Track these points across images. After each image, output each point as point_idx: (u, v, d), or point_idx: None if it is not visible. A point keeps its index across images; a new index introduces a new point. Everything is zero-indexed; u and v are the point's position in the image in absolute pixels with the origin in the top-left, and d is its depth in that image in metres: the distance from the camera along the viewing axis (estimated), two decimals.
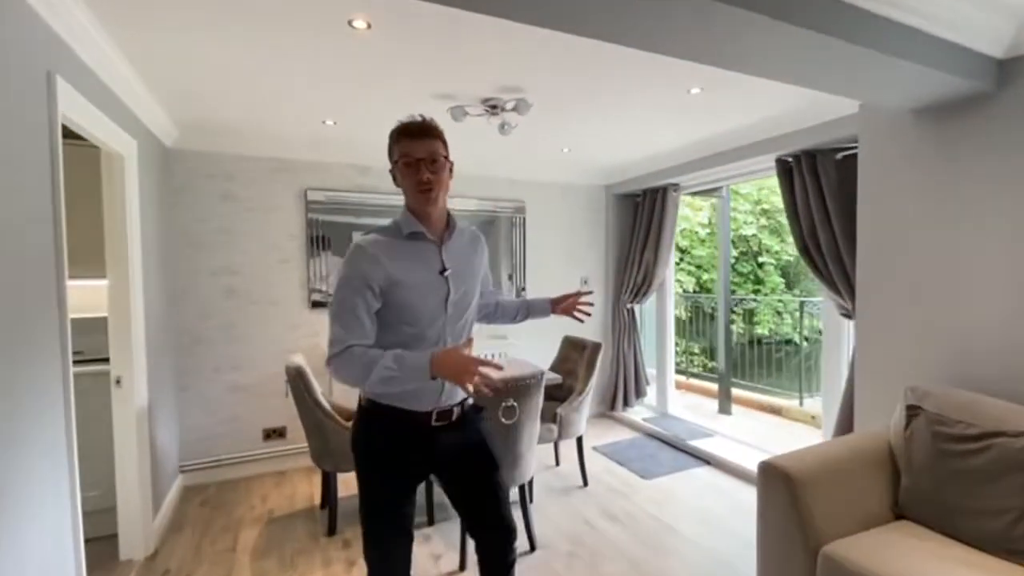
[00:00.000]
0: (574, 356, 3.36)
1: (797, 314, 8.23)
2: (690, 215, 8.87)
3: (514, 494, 2.62)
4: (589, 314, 1.72)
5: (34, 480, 1.44)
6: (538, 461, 3.01)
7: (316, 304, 3.51)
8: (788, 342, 8.09)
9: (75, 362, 2.61)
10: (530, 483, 2.64)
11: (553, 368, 3.42)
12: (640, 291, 4.25)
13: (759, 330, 8.13)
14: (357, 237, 1.41)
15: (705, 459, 3.50)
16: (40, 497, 1.47)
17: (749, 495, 3.00)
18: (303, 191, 3.47)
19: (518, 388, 2.18)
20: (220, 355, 3.27)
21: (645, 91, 2.46)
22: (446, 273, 1.37)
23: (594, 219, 4.60)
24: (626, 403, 4.41)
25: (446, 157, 1.35)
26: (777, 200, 9.45)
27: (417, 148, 1.30)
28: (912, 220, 2.19)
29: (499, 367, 1.27)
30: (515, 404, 2.17)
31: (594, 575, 2.25)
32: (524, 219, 4.24)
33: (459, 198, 3.95)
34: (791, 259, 9.78)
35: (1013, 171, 1.87)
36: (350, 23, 1.79)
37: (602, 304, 4.67)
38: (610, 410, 4.43)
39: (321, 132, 3.13)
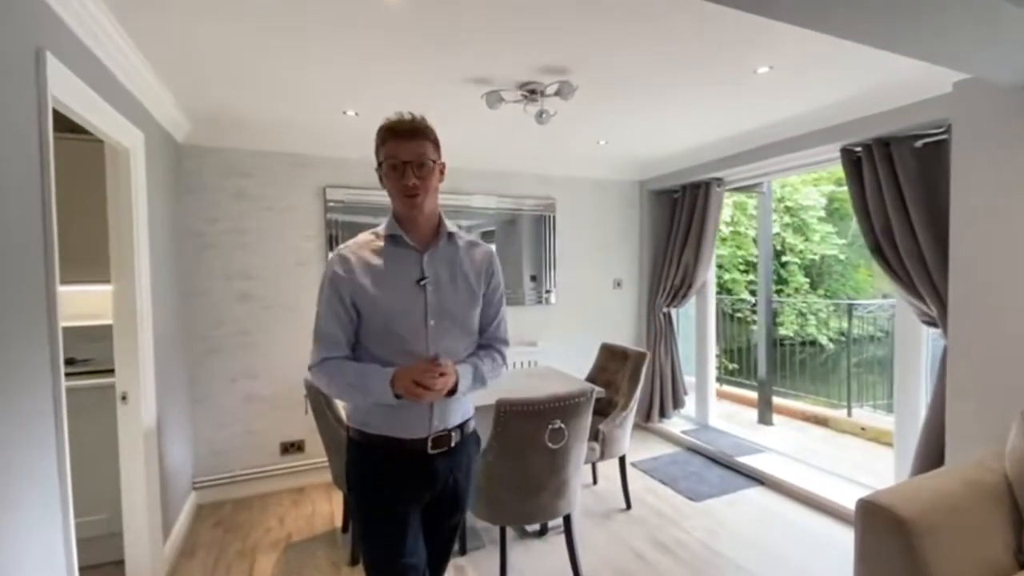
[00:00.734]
0: (613, 366, 3.10)
1: (823, 315, 7.94)
2: None
3: (557, 523, 2.37)
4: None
5: (21, 509, 1.22)
6: None
7: None
8: (812, 343, 7.76)
9: (82, 373, 2.48)
10: None
11: (590, 379, 3.16)
12: (678, 294, 3.97)
13: (782, 331, 7.82)
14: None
15: (756, 478, 3.21)
16: (26, 530, 1.25)
17: (810, 521, 2.70)
18: (322, 189, 3.25)
19: (566, 408, 1.93)
20: (235, 364, 3.07)
21: (706, 70, 2.19)
22: (423, 282, 1.27)
23: (627, 217, 4.32)
24: (663, 414, 4.12)
25: (435, 160, 1.27)
26: (801, 198, 9.11)
27: (404, 150, 1.22)
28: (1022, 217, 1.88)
29: (443, 372, 1.17)
30: (563, 426, 1.92)
31: None
32: (554, 217, 3.98)
33: (480, 195, 3.71)
34: (815, 258, 9.45)
35: None
36: None
37: (636, 308, 4.39)
38: (645, 421, 4.15)
39: (342, 124, 2.91)
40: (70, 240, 2.24)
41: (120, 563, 2.20)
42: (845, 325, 5.30)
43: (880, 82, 2.32)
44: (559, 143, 3.44)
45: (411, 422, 1.25)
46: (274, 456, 3.17)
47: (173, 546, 2.45)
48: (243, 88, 2.35)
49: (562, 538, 2.28)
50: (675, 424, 4.11)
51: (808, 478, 3.05)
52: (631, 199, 4.33)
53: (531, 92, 2.33)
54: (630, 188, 4.31)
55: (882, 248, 2.57)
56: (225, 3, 1.62)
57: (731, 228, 8.68)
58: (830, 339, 7.77)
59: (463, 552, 2.42)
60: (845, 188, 9.25)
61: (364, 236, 1.33)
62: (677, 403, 4.15)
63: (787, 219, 9.17)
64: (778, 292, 9.16)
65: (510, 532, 2.46)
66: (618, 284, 4.29)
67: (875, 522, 1.50)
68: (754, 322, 6.95)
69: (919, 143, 2.41)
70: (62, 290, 1.47)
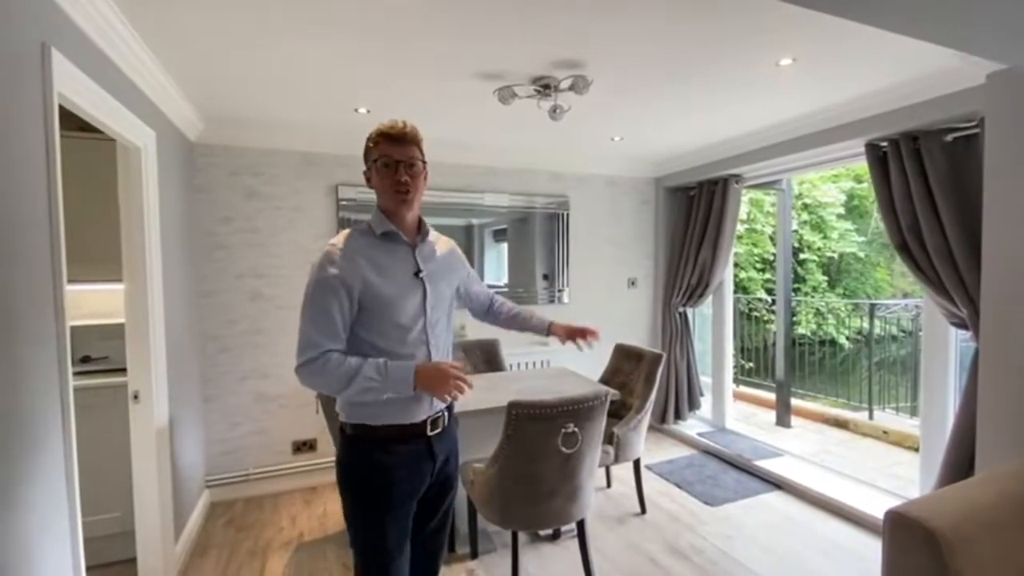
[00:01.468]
0: (628, 367, 3.03)
1: (841, 314, 7.77)
2: None
3: (570, 527, 2.33)
4: (591, 346, 1.68)
5: (27, 508, 1.21)
6: None
7: None
8: (831, 343, 7.61)
9: (97, 372, 2.49)
10: None
11: (604, 380, 3.10)
12: (695, 293, 3.89)
13: (799, 330, 7.68)
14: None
15: (775, 483, 3.13)
16: (33, 529, 1.24)
17: (831, 528, 2.62)
18: (333, 187, 3.24)
19: (579, 411, 1.88)
20: (246, 363, 3.07)
21: (726, 63, 2.12)
22: (421, 275, 1.36)
23: (642, 215, 4.24)
24: (678, 416, 4.04)
25: (423, 163, 1.37)
26: (820, 194, 8.93)
27: (396, 151, 1.31)
28: None
29: (471, 385, 1.28)
30: (576, 430, 1.87)
31: None
32: (567, 215, 3.92)
33: (492, 193, 3.67)
34: (834, 256, 9.27)
35: None
36: None
37: (651, 308, 4.32)
38: (660, 423, 4.08)
39: (353, 121, 2.88)
40: (86, 239, 2.26)
41: (132, 561, 2.20)
42: (863, 324, 5.17)
43: (909, 74, 2.23)
44: (573, 139, 3.38)
45: (412, 408, 1.31)
46: (286, 455, 3.17)
47: (185, 545, 2.45)
48: (254, 86, 2.34)
49: (575, 542, 2.24)
50: (691, 426, 4.03)
51: (828, 483, 2.96)
52: (646, 196, 4.25)
53: (544, 87, 2.27)
54: (645, 185, 4.24)
55: (909, 246, 2.47)
56: (237, 1, 1.59)
57: (747, 225, 8.55)
58: (848, 339, 7.61)
59: (474, 556, 2.39)
60: (865, 185, 9.03)
61: (353, 235, 1.33)
62: (693, 405, 4.07)
63: (805, 216, 9.02)
64: (795, 291, 9.02)
65: (522, 536, 2.42)
66: (632, 283, 4.22)
67: (905, 534, 1.43)
68: (770, 321, 6.82)
69: (949, 137, 2.31)
70: (78, 289, 1.46)
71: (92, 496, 2.01)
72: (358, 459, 1.33)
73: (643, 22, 1.76)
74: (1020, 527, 1.53)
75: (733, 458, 3.45)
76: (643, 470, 2.89)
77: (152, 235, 2.16)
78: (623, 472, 3.15)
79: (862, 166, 2.68)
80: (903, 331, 4.98)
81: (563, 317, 3.88)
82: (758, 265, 8.78)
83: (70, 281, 1.46)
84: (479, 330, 3.57)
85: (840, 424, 4.48)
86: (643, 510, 2.79)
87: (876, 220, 9.44)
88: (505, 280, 3.77)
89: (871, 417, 4.42)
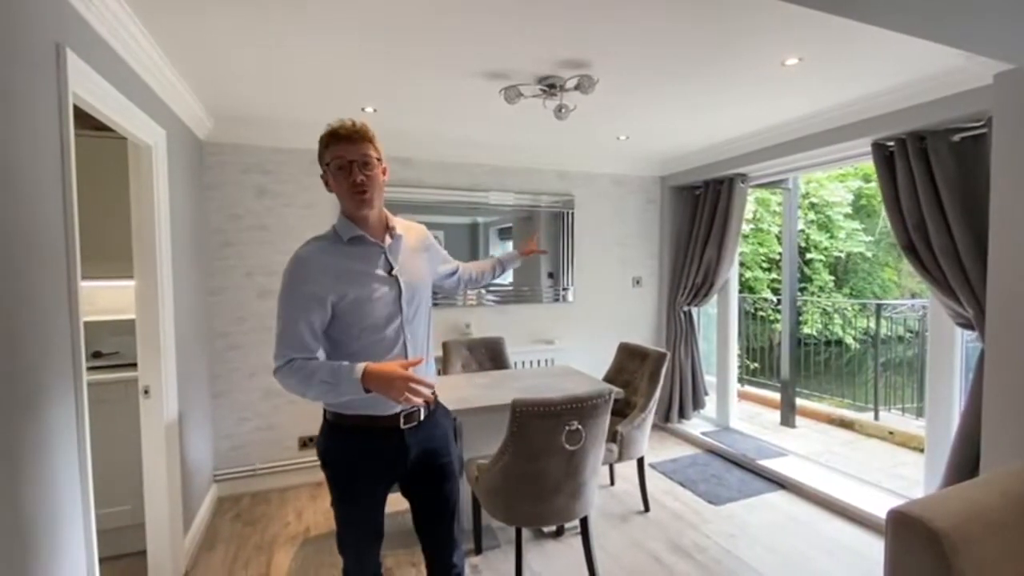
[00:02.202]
0: (632, 366, 3.04)
1: (848, 314, 7.74)
2: None
3: (574, 524, 2.34)
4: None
5: (42, 501, 1.24)
6: None
7: None
8: (837, 343, 7.58)
9: (105, 367, 2.53)
10: None
11: (608, 379, 3.12)
12: (699, 292, 3.89)
13: (805, 330, 7.65)
14: (297, 248, 1.36)
15: (778, 482, 3.13)
16: (47, 521, 1.27)
17: (835, 528, 2.62)
18: None
19: (583, 409, 1.89)
20: (254, 360, 3.10)
21: (732, 62, 2.12)
22: (394, 272, 1.37)
23: (648, 214, 4.25)
24: (682, 415, 4.05)
25: (379, 159, 1.34)
26: (827, 194, 8.88)
27: (349, 151, 1.29)
28: None
29: (430, 385, 1.24)
30: (580, 428, 1.88)
31: None
32: (572, 214, 3.93)
33: (497, 191, 3.68)
34: (840, 256, 9.22)
35: None
36: None
37: (655, 307, 4.32)
38: (664, 422, 4.08)
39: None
40: (99, 236, 2.30)
41: (143, 554, 2.23)
42: (870, 324, 5.15)
43: (915, 73, 2.23)
44: (578, 138, 3.39)
45: (385, 401, 1.29)
46: (292, 451, 3.20)
47: (194, 538, 2.48)
48: (263, 85, 2.36)
49: (578, 539, 2.25)
50: (695, 425, 4.04)
51: (833, 483, 2.96)
52: (651, 195, 4.25)
53: (550, 87, 2.28)
54: (651, 184, 4.24)
55: (915, 246, 2.46)
56: (245, 1, 1.61)
57: (753, 225, 8.52)
58: (855, 339, 7.57)
59: (479, 551, 2.41)
60: (873, 184, 8.98)
61: (320, 242, 1.36)
62: (697, 404, 4.08)
63: (812, 216, 8.98)
64: (802, 290, 8.98)
65: (526, 533, 2.44)
66: (637, 282, 4.23)
67: (907, 534, 1.44)
68: (776, 321, 6.80)
69: (956, 137, 2.30)
70: (90, 285, 1.49)
71: (103, 489, 2.04)
72: (331, 444, 1.39)
73: (648, 21, 1.77)
74: (1017, 528, 1.53)
75: (737, 457, 3.45)
76: (647, 468, 2.91)
77: (162, 232, 2.19)
78: (627, 470, 3.16)
79: (870, 165, 2.67)
80: (910, 331, 4.95)
81: (568, 316, 3.94)
82: (764, 264, 8.75)
83: (82, 278, 1.48)
84: (484, 328, 3.60)
85: (845, 424, 4.47)
86: (646, 508, 2.80)
87: (884, 220, 9.39)
88: (510, 278, 3.78)
89: (876, 417, 4.41)
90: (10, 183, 1.15)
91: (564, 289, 3.95)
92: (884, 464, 3.58)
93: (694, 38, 1.90)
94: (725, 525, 2.66)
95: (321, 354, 1.33)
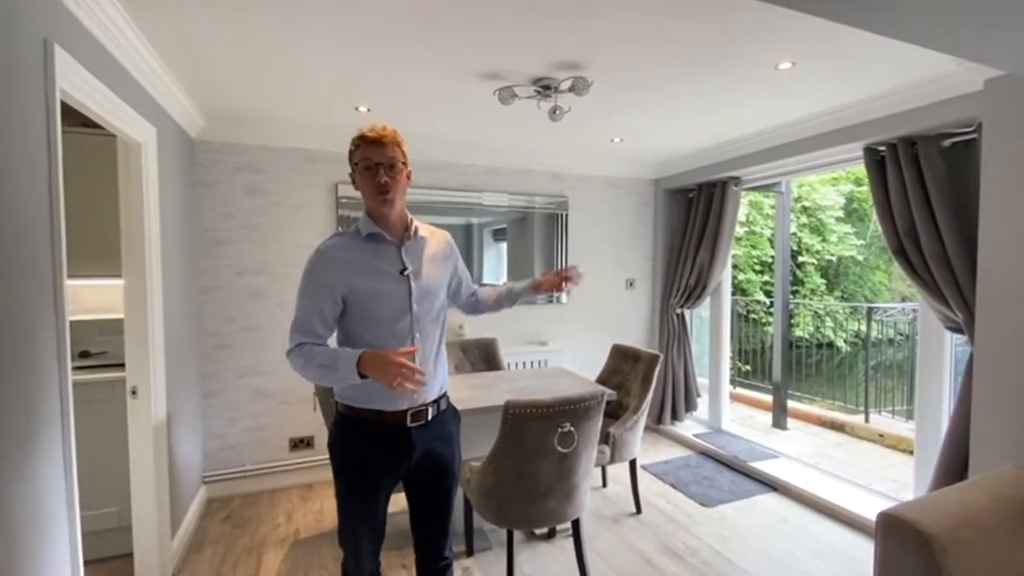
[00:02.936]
0: (625, 368, 3.04)
1: (839, 317, 7.80)
2: None
3: (565, 526, 2.34)
4: (576, 284, 1.75)
5: (26, 503, 1.21)
6: None
7: None
8: (829, 346, 7.64)
9: (97, 367, 2.49)
10: None
11: (601, 380, 3.12)
12: (692, 294, 3.90)
13: (796, 332, 7.70)
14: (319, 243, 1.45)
15: (770, 484, 3.14)
16: (32, 523, 1.25)
17: (826, 530, 2.64)
18: (334, 186, 3.24)
19: (576, 410, 1.88)
20: (245, 360, 3.08)
21: (726, 66, 2.13)
22: (406, 272, 1.42)
23: (641, 216, 4.25)
24: (675, 417, 4.06)
25: (404, 163, 1.41)
26: (819, 197, 8.95)
27: (376, 153, 1.37)
28: None
29: (422, 373, 1.28)
30: (573, 430, 1.88)
31: None
32: (566, 215, 3.93)
33: (491, 192, 3.67)
34: (832, 259, 9.30)
35: None
36: None
37: (648, 309, 4.33)
38: (656, 424, 4.09)
39: (355, 121, 2.89)
40: (86, 234, 2.27)
41: (129, 556, 2.20)
42: (861, 327, 5.18)
43: (907, 79, 2.24)
44: (572, 140, 3.39)
45: (394, 397, 1.37)
46: (283, 452, 3.18)
47: (182, 540, 2.45)
48: (256, 84, 2.34)
49: (570, 541, 2.25)
50: (687, 427, 4.05)
51: (824, 485, 2.97)
52: (645, 198, 4.26)
53: (545, 88, 2.28)
54: (644, 186, 4.25)
55: (906, 250, 2.48)
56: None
57: (746, 228, 8.57)
58: (846, 341, 7.63)
59: (470, 553, 2.40)
60: (864, 188, 9.06)
61: (341, 237, 1.44)
62: (690, 406, 4.09)
63: (804, 219, 9.05)
64: (793, 293, 9.05)
65: (517, 535, 2.44)
66: (631, 284, 4.23)
67: (897, 537, 1.44)
68: (768, 323, 6.83)
69: (947, 142, 2.32)
70: (77, 284, 1.47)
71: (89, 491, 2.01)
72: (340, 436, 1.45)
73: (643, 25, 1.77)
74: (1013, 531, 1.54)
75: (729, 459, 3.46)
76: (639, 470, 2.90)
77: (152, 231, 2.16)
78: (619, 472, 3.16)
79: (862, 169, 2.69)
80: (900, 334, 5.00)
81: (561, 317, 3.94)
82: (756, 267, 8.80)
83: (69, 276, 1.46)
84: (477, 329, 3.58)
85: (836, 427, 4.50)
86: (638, 510, 2.80)
87: (875, 223, 9.47)
88: (504, 279, 3.77)
89: (867, 420, 4.44)
90: None
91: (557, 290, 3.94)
92: (875, 466, 3.60)
93: (689, 41, 1.90)
94: (717, 527, 2.67)
95: (332, 341, 1.41)
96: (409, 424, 1.41)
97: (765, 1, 1.22)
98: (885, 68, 2.13)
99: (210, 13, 1.70)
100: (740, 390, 5.42)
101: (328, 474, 3.19)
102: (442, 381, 1.52)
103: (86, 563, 1.58)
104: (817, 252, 9.17)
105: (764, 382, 5.33)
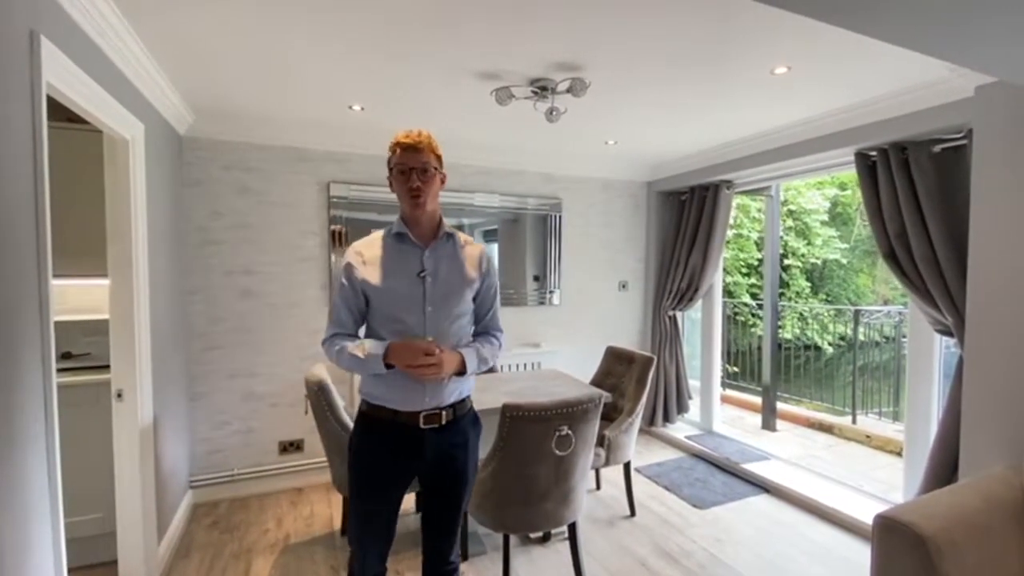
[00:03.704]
0: (619, 370, 3.04)
1: (824, 319, 7.91)
2: None
3: (561, 529, 2.32)
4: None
5: (8, 508, 1.17)
6: None
7: None
8: (815, 348, 7.75)
9: (79, 368, 2.42)
10: None
11: (595, 383, 3.11)
12: (684, 297, 3.92)
13: (784, 334, 7.80)
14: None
15: (762, 486, 3.16)
16: (14, 529, 1.20)
17: (817, 531, 2.65)
18: (325, 185, 3.20)
19: (574, 414, 1.87)
20: (234, 362, 3.02)
21: (722, 70, 2.14)
22: (423, 274, 1.46)
23: (634, 218, 4.26)
24: (667, 418, 4.07)
25: (437, 168, 1.48)
26: (804, 201, 9.08)
27: (411, 159, 1.42)
28: None
29: (438, 360, 1.35)
30: (570, 433, 1.87)
31: None
32: (559, 217, 3.92)
33: (483, 193, 3.65)
34: (817, 262, 9.44)
35: None
36: None
37: (641, 311, 4.34)
38: (649, 426, 4.10)
39: (347, 119, 2.85)
40: (70, 233, 2.20)
41: (114, 564, 2.14)
42: (847, 330, 5.25)
43: (899, 85, 2.27)
44: (566, 142, 3.39)
45: (408, 398, 1.43)
46: (272, 455, 3.12)
47: (168, 546, 2.39)
48: (246, 81, 2.30)
49: (565, 545, 2.24)
50: (679, 429, 4.06)
51: (815, 487, 3.00)
52: (638, 200, 4.27)
53: (542, 89, 2.27)
54: (637, 189, 4.26)
55: (896, 254, 2.51)
56: None
57: (734, 231, 8.66)
58: (831, 343, 7.75)
59: (465, 558, 2.37)
60: (848, 192, 9.18)
61: (375, 234, 1.54)
62: (682, 408, 4.10)
63: (790, 222, 9.17)
64: (780, 296, 9.16)
65: (513, 538, 2.41)
66: (623, 286, 4.24)
67: (894, 539, 1.45)
68: (755, 325, 6.90)
69: (937, 148, 2.36)
70: (60, 283, 1.42)
71: (73, 496, 1.95)
72: (357, 431, 1.50)
73: (642, 28, 1.77)
74: (1007, 532, 1.56)
75: (721, 461, 3.48)
76: (633, 472, 2.90)
77: (139, 229, 2.11)
78: (613, 474, 3.16)
79: (847, 173, 2.72)
80: (885, 337, 5.07)
81: (554, 319, 3.93)
82: (743, 270, 8.89)
83: (53, 275, 1.41)
84: None
85: (825, 428, 4.55)
86: (632, 512, 2.80)
87: (859, 227, 9.64)
88: None
89: (854, 421, 4.49)
90: None
91: (550, 292, 3.94)
92: (864, 468, 3.64)
93: (687, 45, 1.90)
94: (710, 529, 2.68)
95: (362, 332, 1.51)
96: (422, 426, 1.44)
97: (760, 1, 1.23)
98: (878, 74, 2.15)
99: (201, 8, 1.66)
100: (729, 391, 5.46)
101: (320, 477, 3.17)
102: (461, 387, 1.52)
103: (70, 570, 1.53)
104: (802, 255, 9.30)
105: (752, 383, 5.37)
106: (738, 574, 2.30)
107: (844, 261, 9.65)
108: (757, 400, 4.75)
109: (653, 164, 4.05)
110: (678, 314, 4.08)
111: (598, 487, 3.13)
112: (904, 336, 2.77)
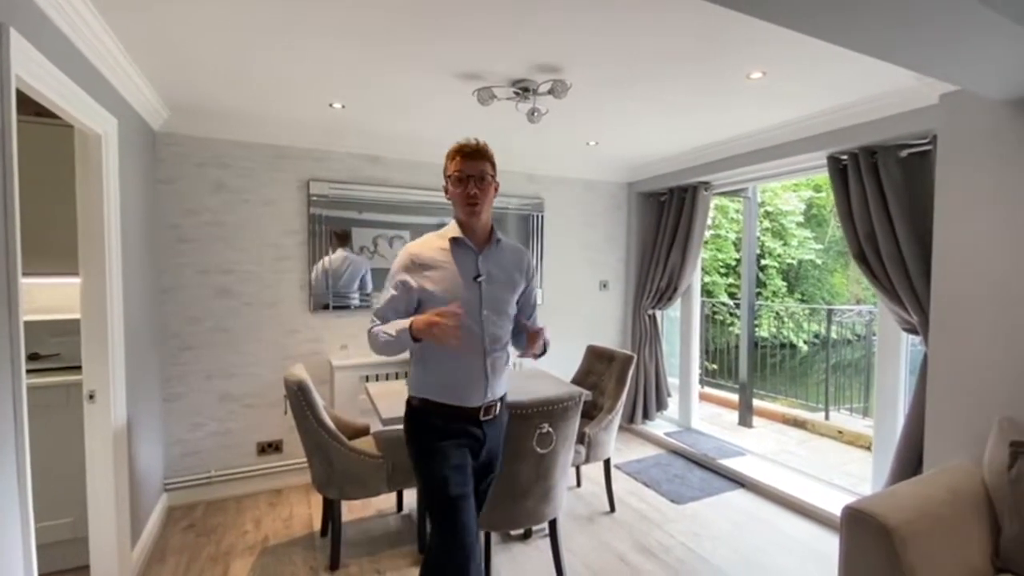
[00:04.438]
0: (600, 368, 3.08)
1: (799, 318, 8.11)
2: None
3: (541, 526, 2.34)
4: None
5: None
6: None
7: (319, 307, 3.20)
8: (790, 346, 7.93)
9: (48, 370, 2.36)
10: None
11: (576, 381, 3.14)
12: (664, 296, 3.98)
13: (760, 333, 7.97)
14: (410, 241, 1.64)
15: (738, 481, 3.23)
16: None
17: (791, 525, 2.73)
18: (305, 183, 3.16)
19: (554, 411, 1.89)
20: (211, 362, 2.97)
21: (700, 75, 2.18)
22: (479, 279, 1.53)
23: (615, 219, 4.31)
24: (646, 416, 4.13)
25: (493, 176, 1.54)
26: (780, 203, 9.29)
27: (469, 166, 1.49)
28: (1005, 227, 1.91)
29: (456, 312, 1.39)
30: (551, 430, 1.89)
31: None
32: (541, 216, 3.95)
33: None
34: (793, 263, 9.66)
35: None
36: None
37: (622, 310, 4.39)
38: (629, 423, 4.15)
39: (327, 116, 2.83)
40: (37, 230, 2.13)
41: (86, 569, 2.10)
42: (819, 328, 5.39)
43: (869, 92, 2.35)
44: (549, 142, 3.41)
45: (469, 394, 1.52)
46: (250, 457, 3.08)
47: (142, 550, 2.35)
48: (223, 76, 2.26)
49: (546, 541, 2.26)
50: (658, 426, 4.12)
51: (789, 481, 3.08)
52: (619, 201, 4.32)
53: (524, 90, 2.29)
54: (618, 190, 4.31)
55: (866, 255, 2.60)
56: None
57: (713, 231, 8.80)
58: (805, 342, 7.94)
59: None
60: (823, 194, 9.40)
61: (429, 237, 1.60)
62: (661, 405, 4.17)
63: (767, 223, 9.36)
64: (756, 295, 9.34)
65: (494, 535, 2.43)
66: (604, 285, 4.29)
67: (861, 529, 1.51)
68: (732, 324, 7.03)
69: (904, 153, 2.44)
70: (29, 282, 1.38)
71: (42, 500, 1.90)
72: (419, 420, 1.55)
73: (622, 31, 1.80)
74: (969, 522, 1.63)
75: (699, 457, 3.55)
76: (612, 469, 2.94)
77: (111, 227, 2.06)
78: (593, 471, 3.20)
79: (820, 176, 2.80)
80: (856, 335, 5.22)
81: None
82: (722, 270, 9.05)
83: (23, 274, 1.38)
84: None
85: (799, 424, 4.67)
86: (612, 509, 2.84)
87: (833, 228, 9.90)
88: None
89: (827, 417, 4.62)
90: None
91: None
92: (835, 462, 3.76)
93: (666, 49, 1.93)
94: (688, 524, 2.73)
95: None
96: (482, 418, 1.54)
97: (738, 10, 1.26)
98: (849, 81, 2.22)
99: (177, 3, 1.63)
100: (707, 389, 5.56)
101: (299, 478, 3.13)
102: (506, 380, 1.64)
103: None
104: (779, 256, 9.51)
105: (730, 381, 5.48)
106: (715, 568, 2.35)
107: (819, 261, 9.91)
108: (734, 397, 4.85)
109: (633, 165, 4.10)
110: (658, 313, 4.14)
111: (578, 484, 3.16)
112: (874, 335, 2.87)
